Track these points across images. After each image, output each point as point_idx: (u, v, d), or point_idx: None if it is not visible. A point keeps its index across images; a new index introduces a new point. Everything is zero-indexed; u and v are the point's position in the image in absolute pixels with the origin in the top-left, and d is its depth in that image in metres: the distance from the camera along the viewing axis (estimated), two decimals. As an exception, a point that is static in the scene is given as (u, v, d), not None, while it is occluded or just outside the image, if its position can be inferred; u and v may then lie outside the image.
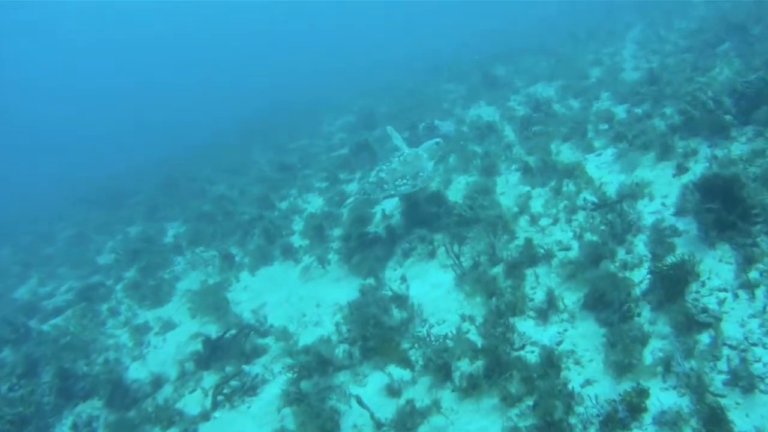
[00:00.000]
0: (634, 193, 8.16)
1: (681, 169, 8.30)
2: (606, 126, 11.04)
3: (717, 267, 6.23)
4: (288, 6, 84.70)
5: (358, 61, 48.00)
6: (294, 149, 22.08)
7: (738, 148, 8.20)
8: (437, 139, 10.63)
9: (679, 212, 7.41)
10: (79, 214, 23.26)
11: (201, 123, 42.20)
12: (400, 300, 8.11)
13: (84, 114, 69.67)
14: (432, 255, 9.26)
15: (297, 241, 12.15)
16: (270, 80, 51.44)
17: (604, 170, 9.47)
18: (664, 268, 6.14)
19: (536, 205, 9.14)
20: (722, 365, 5.01)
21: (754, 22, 14.04)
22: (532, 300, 7.06)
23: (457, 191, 11.01)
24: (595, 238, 7.63)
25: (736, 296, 5.80)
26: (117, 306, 12.42)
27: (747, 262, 6.09)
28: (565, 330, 6.41)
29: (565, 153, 10.86)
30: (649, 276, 6.39)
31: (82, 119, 67.07)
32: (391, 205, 10.07)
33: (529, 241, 7.93)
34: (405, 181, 9.32)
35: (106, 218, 21.11)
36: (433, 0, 65.88)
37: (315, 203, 14.29)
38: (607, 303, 6.32)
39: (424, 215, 10.00)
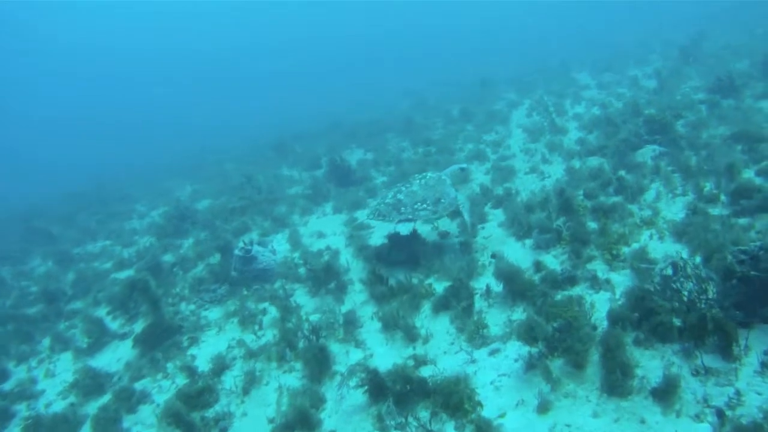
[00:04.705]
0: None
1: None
2: (503, 287, 7.28)
3: None
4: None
5: (205, 129, 43.64)
6: (81, 257, 16.63)
7: (749, 384, 4.64)
8: (463, 165, 10.26)
9: None
10: None
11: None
12: None
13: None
14: None
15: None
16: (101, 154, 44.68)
17: (508, 396, 5.54)
18: None
19: (389, 492, 4.96)
20: None
21: (672, 117, 11.55)
22: None
23: (260, 410, 6.69)
24: None
25: None
26: None
27: None
28: None
29: (439, 338, 6.86)
30: None
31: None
32: (406, 229, 8.54)
33: None
34: (425, 205, 8.75)
35: None
36: (291, 70, 64.64)
37: (61, 378, 9.44)
38: None
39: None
